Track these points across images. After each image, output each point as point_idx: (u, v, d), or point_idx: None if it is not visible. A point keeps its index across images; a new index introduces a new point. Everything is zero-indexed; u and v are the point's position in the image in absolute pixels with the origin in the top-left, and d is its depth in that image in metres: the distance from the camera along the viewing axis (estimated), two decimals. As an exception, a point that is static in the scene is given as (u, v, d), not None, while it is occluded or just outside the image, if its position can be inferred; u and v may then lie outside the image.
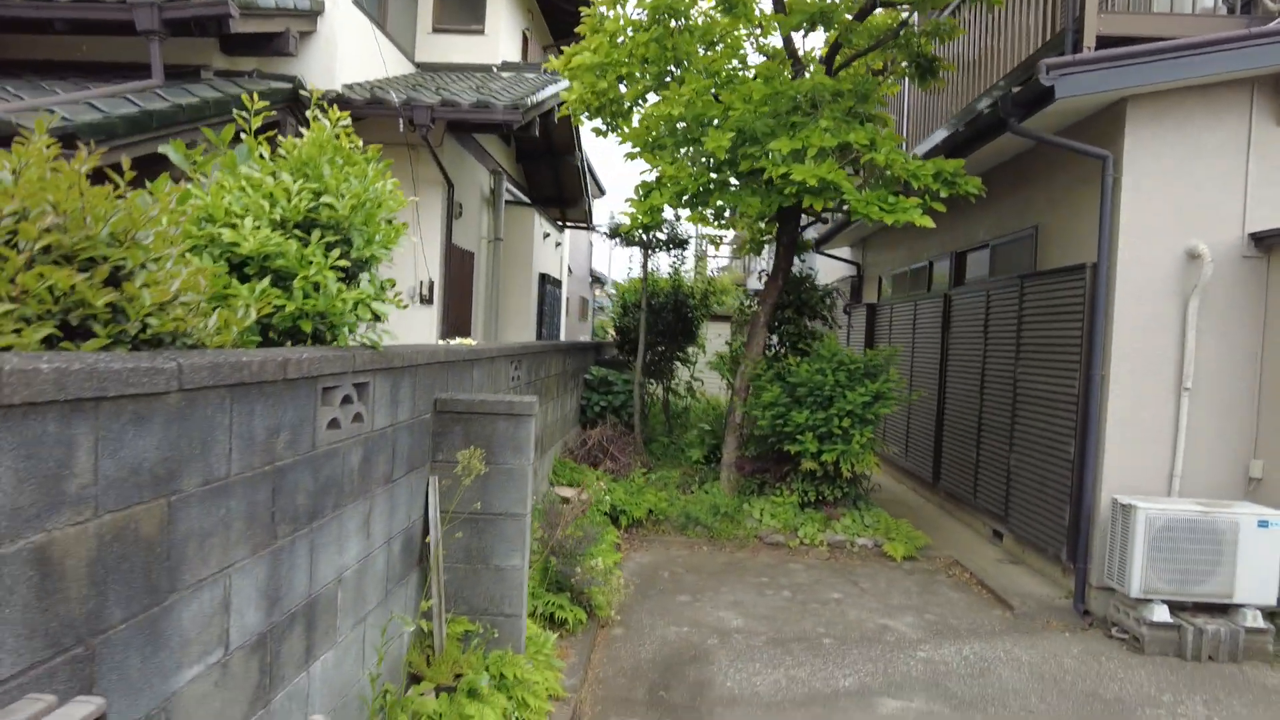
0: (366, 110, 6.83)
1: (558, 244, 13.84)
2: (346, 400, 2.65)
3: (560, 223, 13.87)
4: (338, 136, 2.76)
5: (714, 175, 6.10)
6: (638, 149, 7.36)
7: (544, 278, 12.22)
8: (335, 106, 2.94)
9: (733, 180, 6.14)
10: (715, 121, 5.69)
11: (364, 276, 2.74)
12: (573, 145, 11.24)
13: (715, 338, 14.65)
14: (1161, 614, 5.05)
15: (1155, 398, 5.63)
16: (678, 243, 9.86)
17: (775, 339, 9.04)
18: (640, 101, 7.58)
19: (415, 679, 3.34)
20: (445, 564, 3.64)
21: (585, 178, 12.62)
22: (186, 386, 1.73)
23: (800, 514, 7.39)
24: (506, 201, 10.11)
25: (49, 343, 1.51)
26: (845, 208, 5.75)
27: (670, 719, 3.96)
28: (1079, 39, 5.38)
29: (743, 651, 4.87)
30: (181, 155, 2.63)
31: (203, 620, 1.86)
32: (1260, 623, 5.05)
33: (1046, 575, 6.41)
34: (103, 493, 1.50)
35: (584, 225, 14.43)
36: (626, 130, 7.99)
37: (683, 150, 6.45)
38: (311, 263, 2.46)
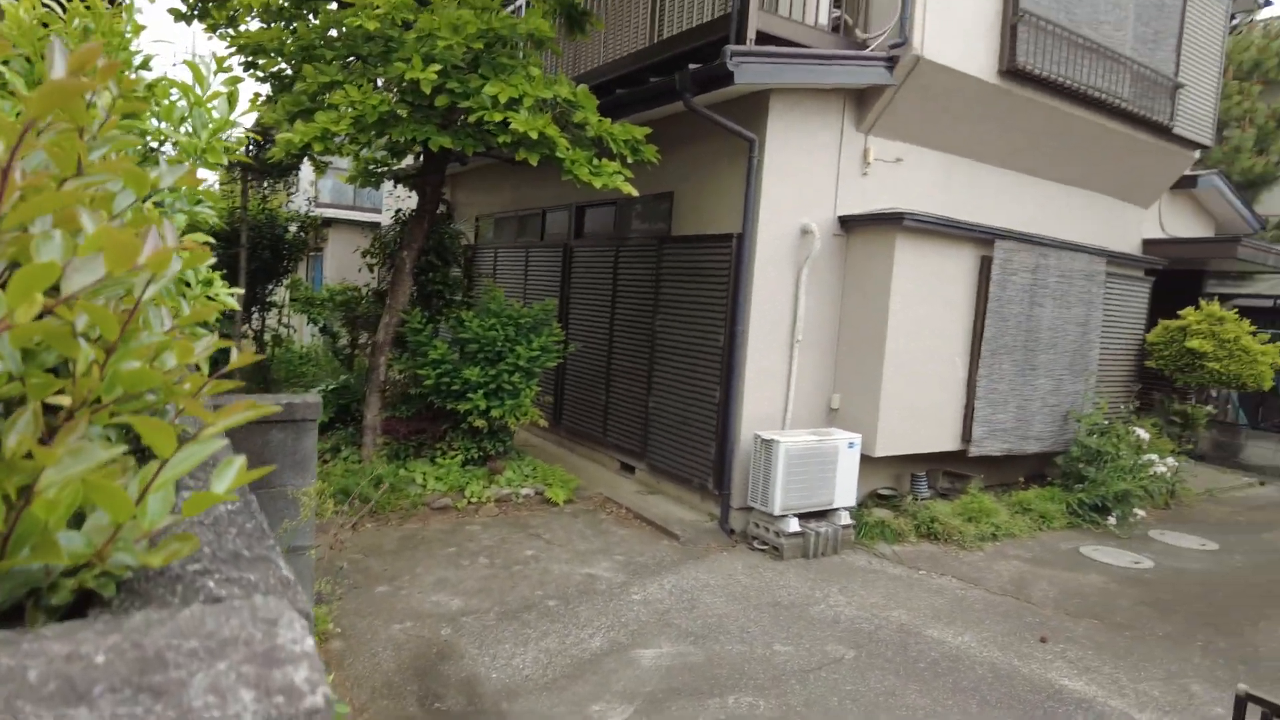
0: None
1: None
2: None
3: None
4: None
5: (392, 105, 5.26)
6: (261, 56, 5.97)
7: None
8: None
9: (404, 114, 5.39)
10: (409, 47, 4.86)
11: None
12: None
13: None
14: (794, 525, 6.27)
15: (777, 349, 6.81)
16: (286, 168, 8.32)
17: (415, 288, 8.37)
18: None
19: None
20: (204, 631, 2.65)
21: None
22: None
23: (464, 473, 7.14)
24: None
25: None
26: (556, 165, 5.55)
27: (465, 733, 3.60)
28: (742, 30, 5.99)
29: (482, 635, 4.61)
30: None
31: None
32: (849, 520, 6.63)
33: (686, 502, 7.37)
34: None
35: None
36: (224, 23, 6.42)
37: (354, 71, 5.39)
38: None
